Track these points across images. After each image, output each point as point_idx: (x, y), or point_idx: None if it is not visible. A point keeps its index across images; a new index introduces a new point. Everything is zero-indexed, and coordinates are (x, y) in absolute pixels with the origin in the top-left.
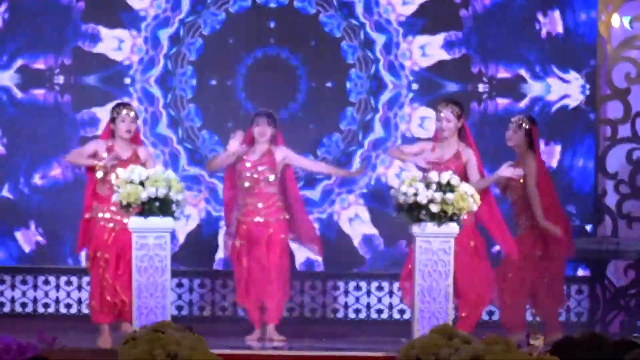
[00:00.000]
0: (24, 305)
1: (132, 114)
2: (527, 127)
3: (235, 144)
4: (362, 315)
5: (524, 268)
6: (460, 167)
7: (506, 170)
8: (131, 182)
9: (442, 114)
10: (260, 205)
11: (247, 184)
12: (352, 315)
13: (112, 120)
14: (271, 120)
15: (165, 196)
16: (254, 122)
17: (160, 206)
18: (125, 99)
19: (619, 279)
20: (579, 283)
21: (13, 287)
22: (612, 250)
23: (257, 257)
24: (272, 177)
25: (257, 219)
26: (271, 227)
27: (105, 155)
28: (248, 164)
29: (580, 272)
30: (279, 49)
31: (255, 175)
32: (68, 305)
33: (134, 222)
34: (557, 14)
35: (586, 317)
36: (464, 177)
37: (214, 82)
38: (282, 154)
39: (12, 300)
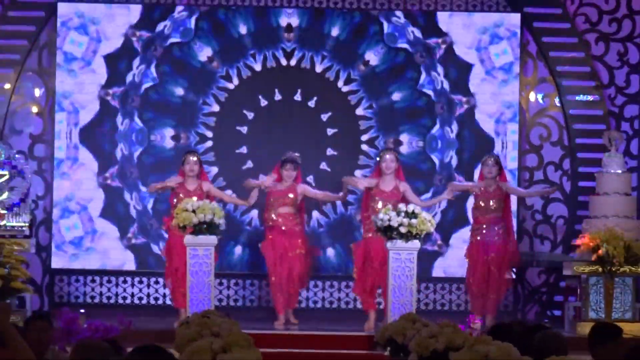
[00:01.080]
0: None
1: (194, 158)
2: (499, 162)
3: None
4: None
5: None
6: (399, 196)
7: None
8: (186, 210)
9: (387, 157)
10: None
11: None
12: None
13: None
14: (296, 164)
15: (210, 220)
16: (282, 165)
17: (207, 227)
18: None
19: (534, 280)
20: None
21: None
22: (529, 261)
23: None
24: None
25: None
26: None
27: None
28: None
29: (507, 276)
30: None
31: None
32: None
33: (188, 239)
34: None
35: (511, 308)
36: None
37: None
38: (301, 189)
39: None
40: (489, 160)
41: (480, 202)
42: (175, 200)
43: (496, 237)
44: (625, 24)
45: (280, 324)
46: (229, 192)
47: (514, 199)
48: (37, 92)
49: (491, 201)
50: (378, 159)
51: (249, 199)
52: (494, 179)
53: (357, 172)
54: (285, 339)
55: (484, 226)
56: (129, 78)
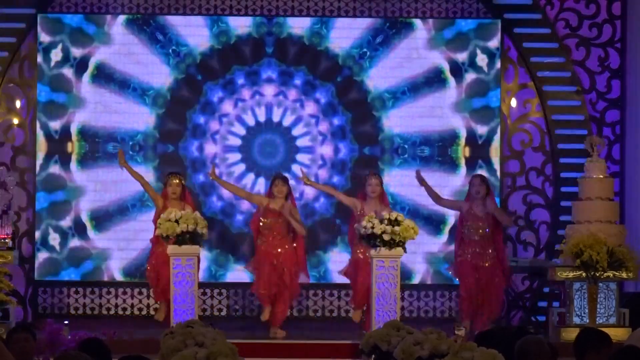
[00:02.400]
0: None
1: (176, 180)
2: (486, 182)
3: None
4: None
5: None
6: None
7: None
8: (169, 220)
9: (372, 180)
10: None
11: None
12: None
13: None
14: (286, 181)
15: (193, 230)
16: (273, 183)
17: (190, 237)
18: None
19: (518, 286)
20: None
21: None
22: (513, 267)
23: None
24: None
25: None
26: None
27: None
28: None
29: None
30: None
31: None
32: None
33: (171, 249)
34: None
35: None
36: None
37: None
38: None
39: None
40: (475, 179)
41: (468, 226)
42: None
43: (486, 263)
44: (605, 29)
45: (265, 317)
46: None
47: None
48: (18, 104)
49: (480, 225)
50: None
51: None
52: (482, 199)
53: None
54: (269, 348)
55: (473, 249)
56: None
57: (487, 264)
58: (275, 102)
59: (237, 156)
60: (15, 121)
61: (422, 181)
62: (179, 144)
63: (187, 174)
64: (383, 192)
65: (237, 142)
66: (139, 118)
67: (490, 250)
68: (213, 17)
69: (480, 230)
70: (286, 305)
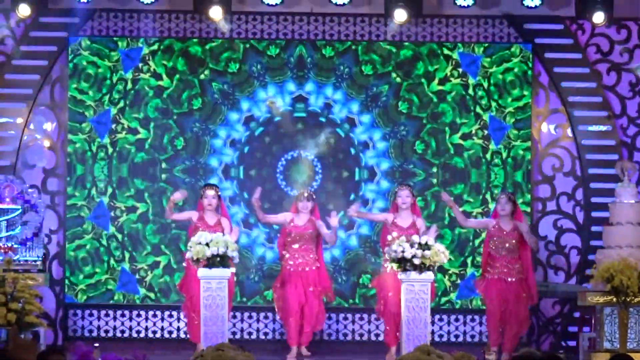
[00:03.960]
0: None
1: (212, 192)
2: (513, 200)
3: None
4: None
5: None
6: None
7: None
8: (199, 243)
9: (402, 192)
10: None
11: (293, 244)
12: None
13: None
14: (311, 197)
15: (224, 253)
16: (297, 199)
17: (220, 260)
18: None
19: (548, 311)
20: None
21: None
22: (543, 291)
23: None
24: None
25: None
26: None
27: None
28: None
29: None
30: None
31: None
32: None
33: (202, 272)
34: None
35: (526, 339)
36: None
37: None
38: (317, 224)
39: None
40: (502, 197)
41: (495, 240)
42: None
43: (512, 278)
44: (637, 54)
45: (292, 357)
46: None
47: None
48: (49, 127)
49: (507, 240)
50: (394, 194)
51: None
52: (508, 217)
53: None
54: None
55: (499, 265)
56: None
57: (513, 279)
58: None
59: None
60: (47, 144)
61: (449, 203)
62: None
63: None
64: (415, 203)
65: None
66: None
67: (517, 266)
68: None
69: (507, 244)
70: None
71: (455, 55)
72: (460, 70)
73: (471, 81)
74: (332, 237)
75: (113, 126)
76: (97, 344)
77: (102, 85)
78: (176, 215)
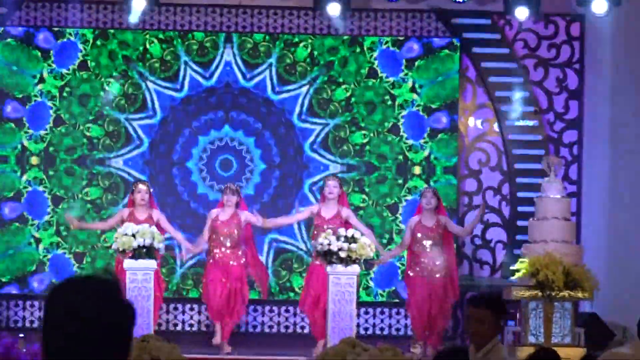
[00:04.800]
0: None
1: (144, 187)
2: (437, 194)
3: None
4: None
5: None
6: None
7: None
8: (125, 234)
9: (330, 182)
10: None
11: (221, 237)
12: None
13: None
14: (236, 191)
15: (150, 245)
16: (223, 193)
17: (147, 252)
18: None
19: None
20: None
21: None
22: (468, 285)
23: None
24: (236, 232)
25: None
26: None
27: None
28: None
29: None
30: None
31: (226, 230)
32: None
33: (128, 263)
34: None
35: (451, 333)
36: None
37: None
38: (244, 216)
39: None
40: (427, 192)
41: (419, 237)
42: None
43: (436, 274)
44: (564, 50)
45: (217, 340)
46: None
47: None
48: None
49: (430, 236)
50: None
51: (198, 245)
52: (432, 212)
53: None
54: None
55: (424, 261)
56: None
57: (439, 275)
58: None
59: None
60: None
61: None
62: None
63: None
64: (343, 194)
65: None
66: None
67: (442, 261)
68: None
69: (432, 240)
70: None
71: (378, 49)
72: (379, 64)
73: (395, 76)
74: (267, 221)
75: None
76: (22, 335)
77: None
78: (110, 223)
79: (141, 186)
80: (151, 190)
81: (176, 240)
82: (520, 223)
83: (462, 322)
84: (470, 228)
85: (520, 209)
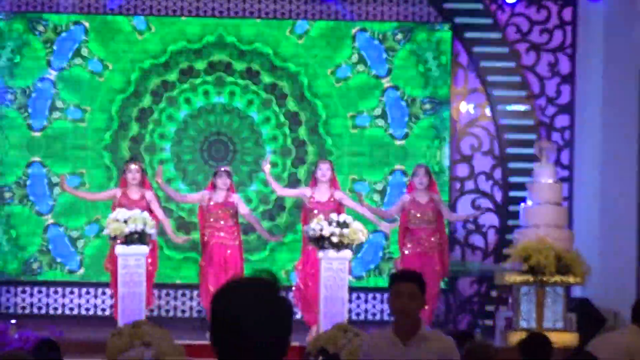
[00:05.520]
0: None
1: (135, 166)
2: (429, 172)
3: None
4: None
5: None
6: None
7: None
8: (117, 220)
9: (322, 165)
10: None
11: (212, 219)
12: None
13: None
14: (229, 173)
15: (142, 230)
16: (216, 175)
17: (139, 237)
18: None
19: (465, 290)
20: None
21: None
22: (460, 270)
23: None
24: (232, 214)
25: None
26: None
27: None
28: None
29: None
30: None
31: (221, 212)
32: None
33: (119, 249)
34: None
35: (443, 318)
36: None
37: None
38: (236, 199)
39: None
40: (420, 170)
41: (413, 214)
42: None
43: (430, 250)
44: (556, 35)
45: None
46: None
47: None
48: None
49: (424, 213)
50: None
51: (180, 238)
52: (425, 190)
53: None
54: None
55: (418, 238)
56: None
57: (433, 252)
58: None
59: None
60: None
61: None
62: None
63: None
64: (334, 177)
65: None
66: None
67: (436, 237)
68: None
69: (426, 216)
70: None
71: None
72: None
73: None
74: (250, 215)
75: None
76: (13, 321)
77: None
78: (99, 195)
79: (132, 165)
80: (143, 168)
81: (163, 225)
82: (512, 208)
83: (454, 307)
84: (458, 218)
85: (512, 193)
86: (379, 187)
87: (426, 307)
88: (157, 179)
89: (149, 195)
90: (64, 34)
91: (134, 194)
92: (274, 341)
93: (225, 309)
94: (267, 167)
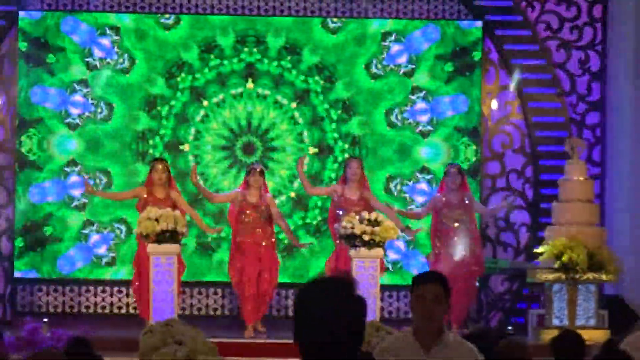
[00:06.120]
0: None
1: (161, 166)
2: (462, 172)
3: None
4: None
5: None
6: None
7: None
8: (148, 219)
9: (352, 164)
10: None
11: (245, 218)
12: None
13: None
14: (262, 173)
15: (173, 229)
16: (249, 173)
17: (170, 236)
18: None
19: (497, 288)
20: None
21: None
22: (492, 268)
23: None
24: (265, 213)
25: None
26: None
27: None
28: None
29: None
30: None
31: (255, 212)
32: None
33: (151, 247)
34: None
35: (474, 315)
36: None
37: None
38: (269, 199)
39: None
40: (452, 169)
41: (445, 213)
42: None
43: (464, 250)
44: (586, 32)
45: (249, 333)
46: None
47: None
48: None
49: (457, 212)
50: (344, 166)
51: (216, 229)
52: (457, 189)
53: None
54: (251, 347)
55: (450, 237)
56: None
57: (465, 252)
58: None
59: None
60: None
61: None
62: None
63: None
64: (364, 176)
65: None
66: None
67: (468, 237)
68: None
69: (458, 216)
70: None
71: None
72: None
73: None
74: (279, 217)
75: None
76: (46, 319)
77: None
78: (124, 195)
79: (158, 165)
80: (169, 168)
81: (194, 220)
82: (543, 205)
83: (486, 304)
84: (493, 212)
85: (543, 191)
86: (409, 186)
87: (459, 306)
88: (192, 178)
89: (174, 194)
90: (95, 33)
91: (160, 193)
92: (351, 335)
93: (309, 306)
94: (301, 167)
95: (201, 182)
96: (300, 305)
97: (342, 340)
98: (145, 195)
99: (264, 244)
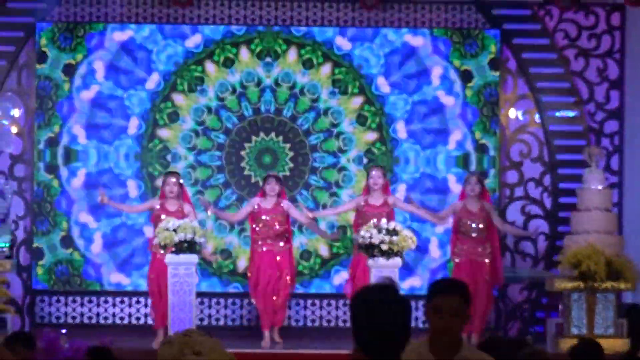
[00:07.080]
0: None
1: (173, 179)
2: (482, 180)
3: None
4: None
5: None
6: (389, 210)
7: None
8: (167, 229)
9: (374, 173)
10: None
11: (261, 225)
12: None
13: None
14: (278, 180)
15: (191, 239)
16: (266, 182)
17: (188, 246)
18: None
19: (515, 297)
20: None
21: None
22: (511, 277)
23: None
24: (282, 221)
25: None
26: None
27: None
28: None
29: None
30: None
31: (270, 219)
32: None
33: (169, 257)
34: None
35: (493, 324)
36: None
37: None
38: (286, 206)
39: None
40: (472, 178)
41: (464, 222)
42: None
43: (481, 258)
44: (604, 40)
45: (265, 343)
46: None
47: None
48: (17, 113)
49: (476, 221)
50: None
51: (214, 256)
52: (476, 198)
53: None
54: (267, 358)
55: (469, 247)
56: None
57: (482, 260)
58: None
59: None
60: (14, 130)
61: (416, 209)
62: None
63: None
64: (386, 184)
65: None
66: None
67: (487, 246)
68: None
69: (474, 225)
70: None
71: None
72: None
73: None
74: (305, 218)
75: None
76: (64, 330)
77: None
78: (137, 208)
79: (170, 178)
80: (181, 181)
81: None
82: (562, 214)
83: (505, 313)
84: (511, 231)
85: (561, 200)
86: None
87: (480, 315)
88: (209, 212)
89: (187, 208)
90: (112, 43)
91: (172, 206)
92: (402, 332)
93: (364, 311)
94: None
95: (218, 211)
96: (358, 310)
97: (395, 336)
98: (158, 207)
99: (280, 248)
